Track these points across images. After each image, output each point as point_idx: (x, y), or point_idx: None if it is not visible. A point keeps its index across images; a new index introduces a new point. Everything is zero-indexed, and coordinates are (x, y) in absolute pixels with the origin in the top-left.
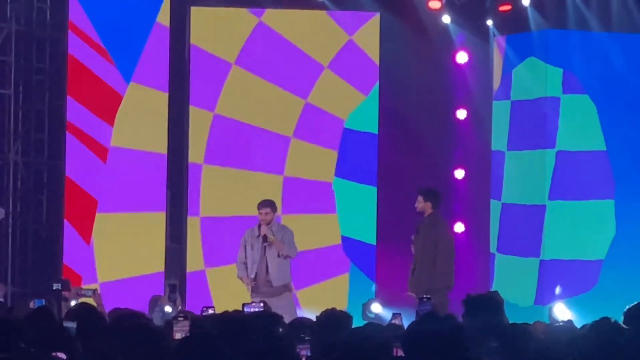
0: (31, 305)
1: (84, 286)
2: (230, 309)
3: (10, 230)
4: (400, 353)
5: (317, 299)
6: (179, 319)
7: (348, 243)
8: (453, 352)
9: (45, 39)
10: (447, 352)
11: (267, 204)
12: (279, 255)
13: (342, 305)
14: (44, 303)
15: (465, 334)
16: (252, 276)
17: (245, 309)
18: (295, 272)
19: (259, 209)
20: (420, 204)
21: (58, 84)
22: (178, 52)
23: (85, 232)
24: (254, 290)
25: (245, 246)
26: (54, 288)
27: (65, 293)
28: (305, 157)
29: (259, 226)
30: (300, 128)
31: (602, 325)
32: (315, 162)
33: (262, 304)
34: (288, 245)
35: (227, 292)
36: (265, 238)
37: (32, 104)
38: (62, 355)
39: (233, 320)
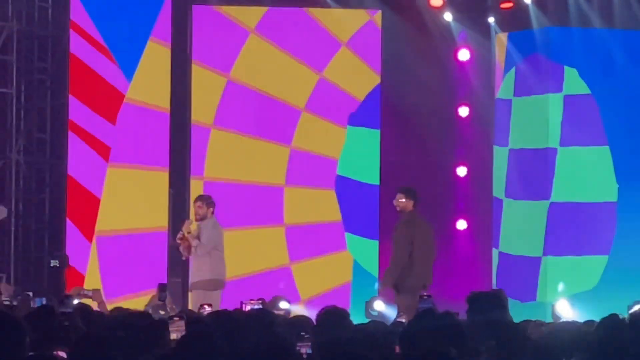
0: (32, 304)
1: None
2: (235, 266)
3: (12, 229)
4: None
5: (313, 273)
6: (175, 319)
7: (351, 240)
8: (448, 350)
9: (46, 37)
10: (445, 349)
11: (201, 197)
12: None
13: (338, 280)
14: (44, 302)
15: (463, 331)
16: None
17: (244, 306)
18: (293, 244)
19: (194, 202)
20: (402, 202)
21: (60, 82)
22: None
23: (88, 231)
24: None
25: None
26: (52, 265)
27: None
28: (314, 131)
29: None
30: (312, 101)
31: (609, 323)
32: (324, 137)
33: (260, 301)
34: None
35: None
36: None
37: (34, 103)
38: (62, 353)
39: (231, 318)
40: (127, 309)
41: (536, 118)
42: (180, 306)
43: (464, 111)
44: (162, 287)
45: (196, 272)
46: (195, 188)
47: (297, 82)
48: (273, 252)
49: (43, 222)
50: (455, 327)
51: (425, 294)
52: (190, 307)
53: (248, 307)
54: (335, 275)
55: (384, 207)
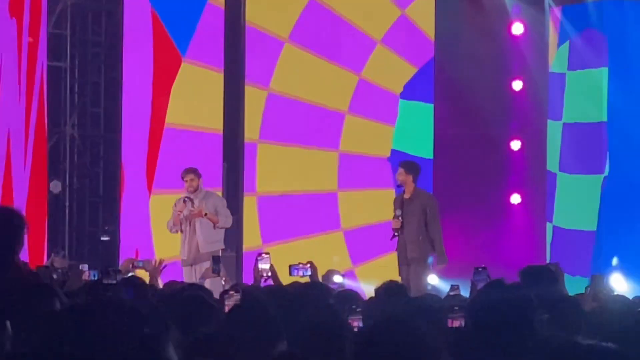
0: (85, 277)
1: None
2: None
3: (67, 203)
4: (456, 324)
5: (375, 275)
6: (230, 292)
7: None
8: (519, 322)
9: (100, 11)
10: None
11: (190, 170)
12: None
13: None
14: (97, 275)
15: (532, 303)
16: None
17: (292, 271)
18: (353, 247)
19: (182, 177)
20: (402, 176)
21: (114, 56)
22: (233, 29)
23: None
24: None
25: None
26: (102, 238)
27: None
28: (361, 132)
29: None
30: (354, 103)
31: None
32: (371, 137)
33: (308, 265)
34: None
35: (284, 269)
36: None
37: (88, 77)
38: None
39: (284, 290)
40: (181, 283)
41: (590, 92)
42: (234, 279)
43: (517, 85)
44: (216, 260)
45: (211, 243)
46: (249, 205)
47: (337, 85)
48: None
49: (97, 196)
50: (525, 300)
51: (480, 266)
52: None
53: (300, 272)
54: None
55: (437, 181)
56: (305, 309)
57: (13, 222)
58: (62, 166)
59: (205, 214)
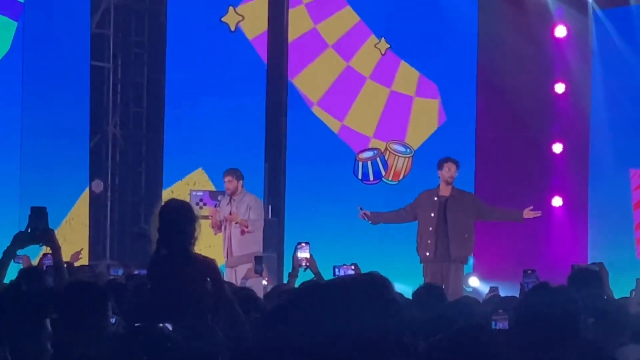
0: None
1: None
2: None
3: (108, 203)
4: (500, 326)
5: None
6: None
7: None
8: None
9: (143, 11)
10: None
11: (230, 171)
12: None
13: None
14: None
15: (579, 306)
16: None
17: (336, 272)
18: None
19: (223, 177)
20: (454, 172)
21: (156, 56)
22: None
23: None
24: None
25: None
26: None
27: None
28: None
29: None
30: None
31: None
32: None
33: (353, 266)
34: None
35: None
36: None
37: (131, 77)
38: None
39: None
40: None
41: None
42: (277, 280)
43: (560, 88)
44: (258, 260)
45: (244, 247)
46: None
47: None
48: None
49: (139, 196)
50: (573, 303)
51: (529, 269)
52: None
53: (341, 272)
54: None
55: (479, 183)
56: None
57: (190, 214)
58: (104, 166)
59: (237, 221)
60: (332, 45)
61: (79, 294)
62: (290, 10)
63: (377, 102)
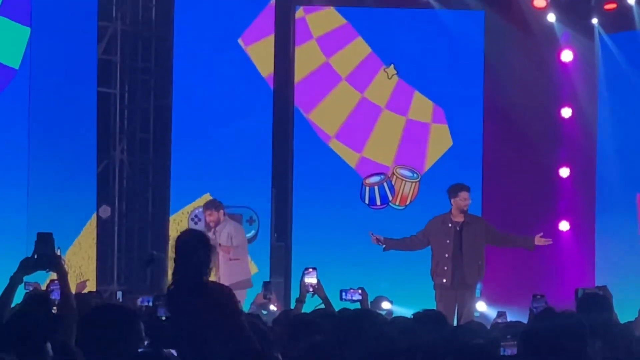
0: (138, 302)
1: None
2: None
3: (116, 228)
4: (509, 352)
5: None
6: None
7: None
8: (573, 350)
9: (150, 38)
10: (568, 350)
11: (208, 205)
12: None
13: None
14: (151, 302)
15: (586, 330)
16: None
17: (342, 295)
18: None
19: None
20: (468, 200)
21: (163, 82)
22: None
23: None
24: None
25: None
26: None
27: None
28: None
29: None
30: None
31: None
32: None
33: (359, 291)
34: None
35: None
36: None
37: (138, 103)
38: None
39: (337, 317)
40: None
41: None
42: (284, 305)
43: (566, 112)
44: (267, 285)
45: (229, 277)
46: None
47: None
48: None
49: (146, 221)
50: (580, 327)
51: (538, 294)
52: None
53: (348, 296)
54: None
55: (486, 206)
56: (361, 337)
57: (207, 245)
58: (112, 191)
59: (220, 245)
60: (346, 77)
61: (110, 317)
62: (302, 46)
63: (394, 131)
